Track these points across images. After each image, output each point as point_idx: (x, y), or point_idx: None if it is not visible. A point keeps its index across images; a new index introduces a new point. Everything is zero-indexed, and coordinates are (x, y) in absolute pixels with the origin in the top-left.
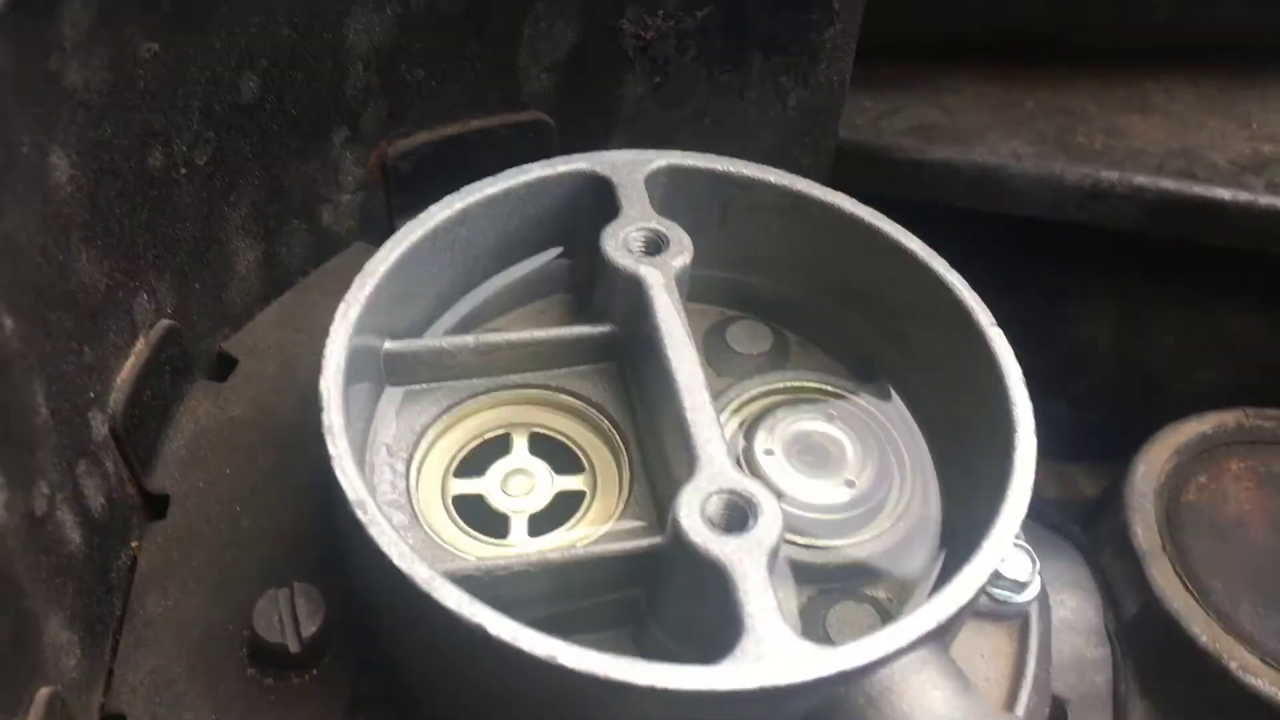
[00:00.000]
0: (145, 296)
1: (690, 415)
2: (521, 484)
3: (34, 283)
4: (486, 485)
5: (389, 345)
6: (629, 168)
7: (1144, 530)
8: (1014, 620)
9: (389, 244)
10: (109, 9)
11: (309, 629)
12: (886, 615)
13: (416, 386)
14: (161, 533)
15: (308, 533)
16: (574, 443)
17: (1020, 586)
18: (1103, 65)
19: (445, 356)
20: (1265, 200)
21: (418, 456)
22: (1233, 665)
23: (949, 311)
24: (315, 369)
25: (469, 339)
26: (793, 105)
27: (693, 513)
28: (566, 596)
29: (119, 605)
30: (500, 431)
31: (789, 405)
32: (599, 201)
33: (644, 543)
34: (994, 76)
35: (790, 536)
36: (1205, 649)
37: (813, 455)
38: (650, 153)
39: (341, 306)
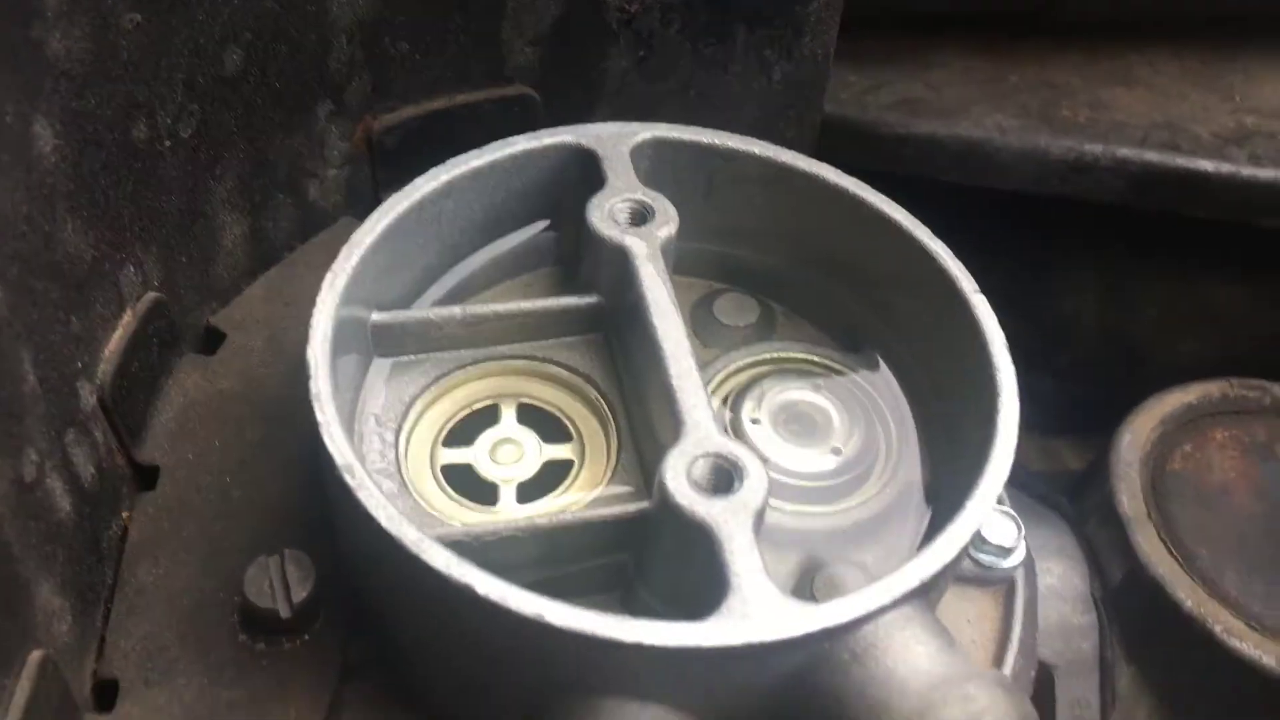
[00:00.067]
0: (132, 269)
1: (676, 382)
2: (510, 453)
3: (20, 251)
4: (475, 454)
5: (376, 317)
6: (614, 140)
7: (1129, 498)
8: (999, 585)
9: (375, 215)
10: None
11: (299, 594)
12: (873, 580)
13: (404, 358)
14: (152, 503)
15: (297, 503)
16: (562, 412)
17: (1005, 552)
18: (1087, 39)
19: (432, 328)
20: (1248, 172)
21: (406, 427)
22: (1217, 629)
23: (933, 280)
24: (303, 342)
25: (456, 310)
26: (777, 79)
27: (679, 476)
28: (554, 562)
29: (110, 574)
30: (488, 402)
31: (775, 376)
32: (584, 174)
33: (631, 508)
34: (978, 51)
35: (777, 504)
36: (1190, 614)
37: (799, 424)
38: (635, 125)
39: (328, 276)
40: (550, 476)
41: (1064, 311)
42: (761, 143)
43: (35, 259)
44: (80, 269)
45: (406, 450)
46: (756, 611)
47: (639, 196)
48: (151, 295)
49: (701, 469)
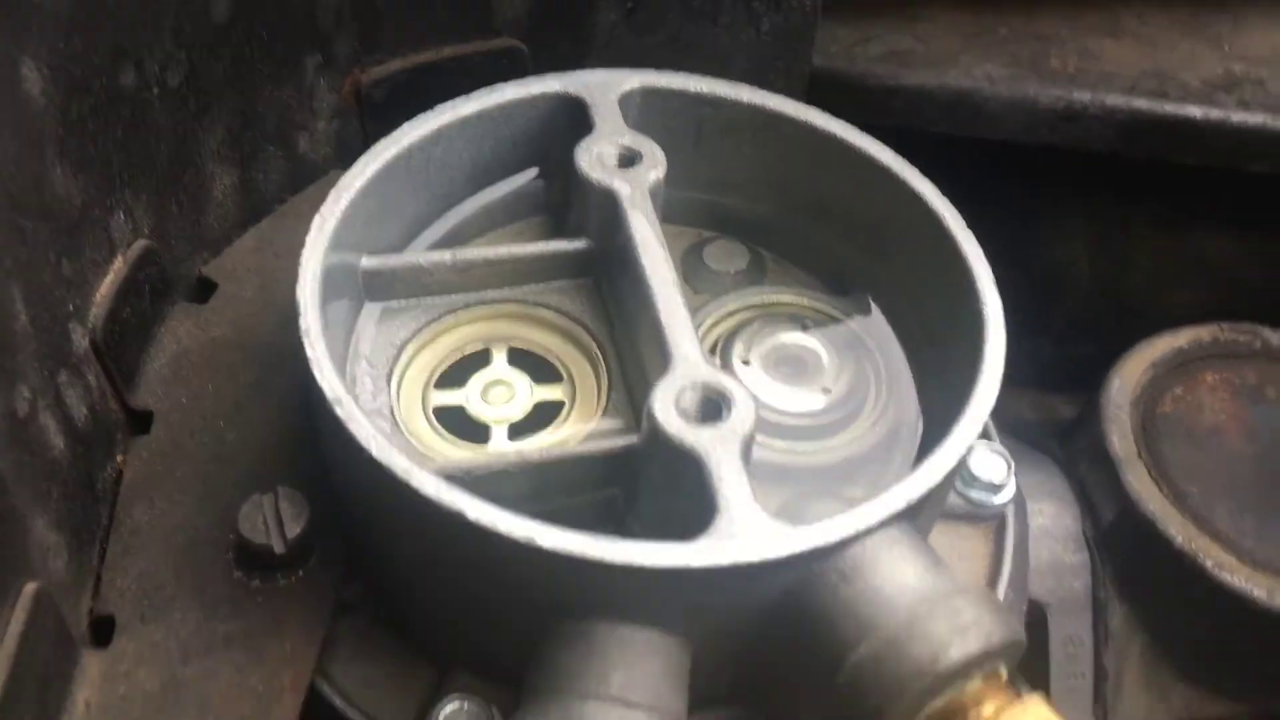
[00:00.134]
0: (122, 215)
1: (664, 318)
2: (501, 394)
3: (8, 191)
4: (467, 396)
5: (366, 261)
6: (602, 88)
7: (1120, 439)
8: (990, 522)
9: (363, 159)
10: None
11: (293, 530)
12: None
13: (395, 303)
14: (146, 447)
15: (290, 445)
16: (553, 355)
17: (995, 489)
18: None
19: (423, 273)
20: (1237, 118)
21: (398, 370)
22: (1209, 564)
23: (921, 220)
24: (294, 288)
25: (446, 255)
26: (765, 30)
27: (667, 406)
28: (545, 496)
29: (105, 515)
30: (479, 346)
31: (765, 319)
32: (573, 122)
33: (620, 441)
34: (966, 3)
35: (767, 441)
36: (1181, 549)
37: (789, 365)
38: (623, 72)
39: (317, 219)
40: (541, 416)
41: (1056, 263)
42: (750, 88)
43: (24, 199)
44: (70, 212)
45: (398, 393)
46: (744, 532)
47: (627, 141)
48: (142, 243)
49: (690, 399)
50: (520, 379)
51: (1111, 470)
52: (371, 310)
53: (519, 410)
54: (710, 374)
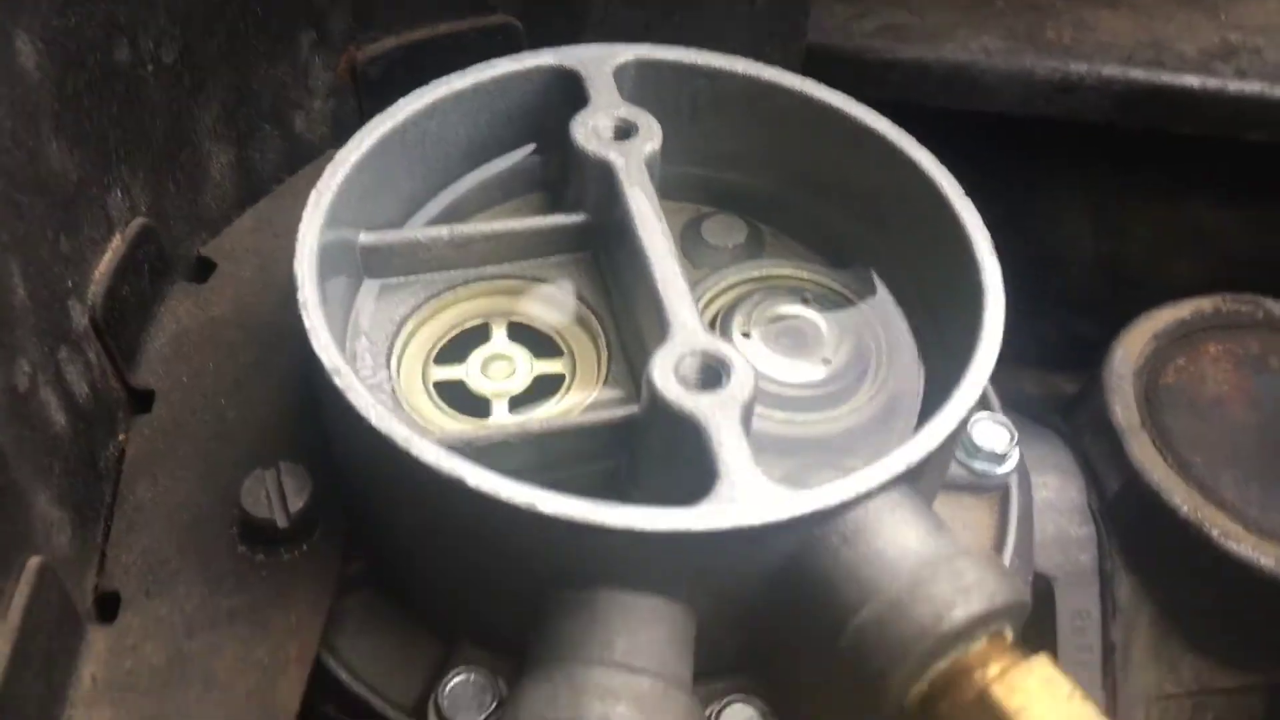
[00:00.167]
0: (119, 193)
1: (661, 287)
2: (501, 369)
3: (3, 165)
4: (467, 371)
5: (364, 238)
6: (597, 61)
7: (1123, 409)
8: (994, 493)
9: (359, 135)
10: None
11: (296, 504)
12: None
13: (394, 280)
14: (148, 425)
15: (291, 422)
16: (552, 329)
17: (999, 459)
18: None
19: (421, 249)
20: (1235, 86)
21: (398, 346)
22: (1214, 533)
23: (919, 189)
24: (292, 264)
25: (443, 231)
26: (761, 4)
27: (667, 373)
28: (546, 468)
29: (109, 493)
30: (478, 321)
31: (765, 292)
32: (568, 96)
33: (621, 411)
34: None
35: (768, 412)
36: (1187, 518)
37: (789, 337)
38: (618, 46)
39: (313, 193)
40: (542, 390)
41: (1055, 237)
42: (745, 60)
43: (20, 173)
44: (66, 188)
45: (398, 369)
46: (745, 496)
47: (622, 113)
48: (140, 221)
49: (688, 366)
50: (520, 353)
51: (1115, 441)
52: (370, 287)
53: (519, 384)
54: (709, 341)
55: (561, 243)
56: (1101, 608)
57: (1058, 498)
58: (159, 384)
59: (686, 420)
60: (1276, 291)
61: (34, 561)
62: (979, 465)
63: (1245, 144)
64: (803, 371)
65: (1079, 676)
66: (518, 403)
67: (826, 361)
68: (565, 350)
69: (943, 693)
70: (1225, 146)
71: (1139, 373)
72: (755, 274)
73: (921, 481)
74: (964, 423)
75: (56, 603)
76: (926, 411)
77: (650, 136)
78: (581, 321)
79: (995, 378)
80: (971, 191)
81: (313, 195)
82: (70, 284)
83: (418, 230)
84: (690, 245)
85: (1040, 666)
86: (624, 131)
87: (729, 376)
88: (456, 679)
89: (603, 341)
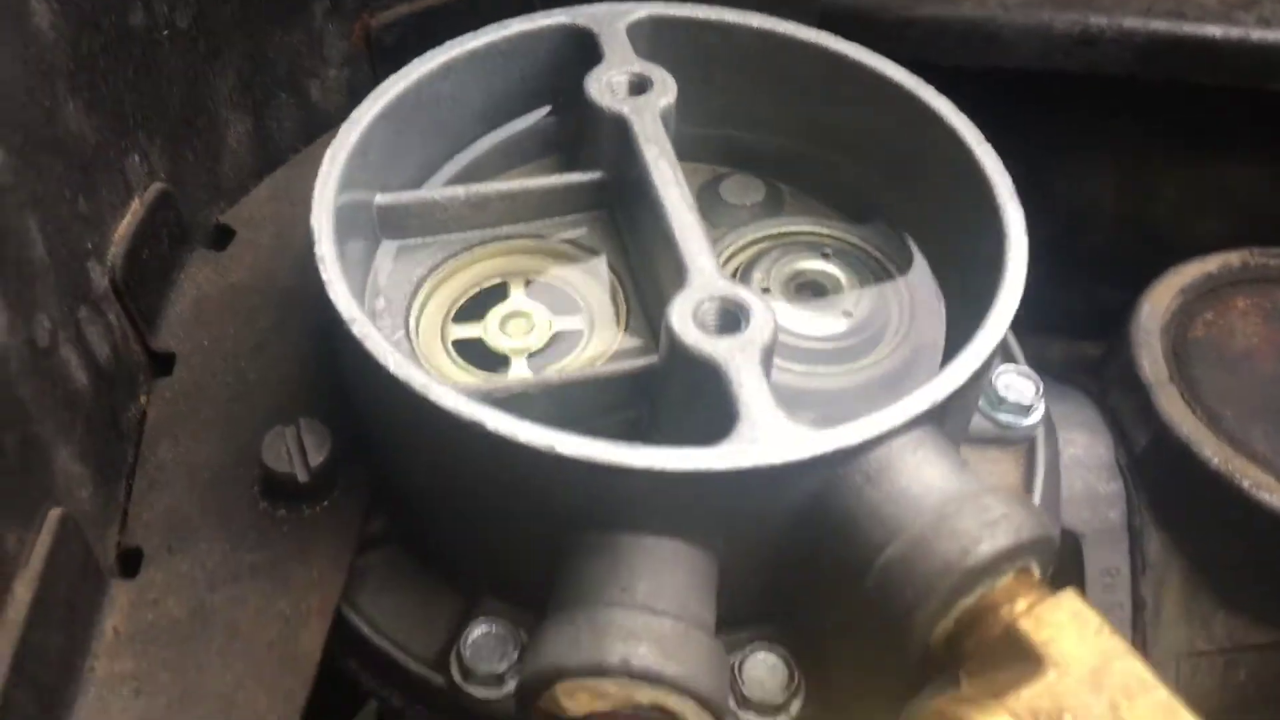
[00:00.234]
0: (137, 158)
1: (679, 234)
2: (520, 325)
3: (21, 122)
4: (485, 328)
5: (380, 198)
6: (610, 18)
7: (1151, 363)
8: (1020, 446)
9: (373, 95)
10: None
11: (316, 459)
12: None
13: (411, 240)
14: (169, 388)
15: (311, 383)
16: (570, 286)
17: (1025, 410)
18: None
19: (438, 209)
20: (1257, 35)
21: (416, 305)
22: (1246, 484)
23: (939, 138)
24: (310, 236)
25: (460, 190)
26: None
27: (685, 318)
28: (566, 421)
29: (131, 454)
30: (496, 280)
31: (784, 248)
32: (582, 55)
33: (640, 361)
34: None
35: (789, 365)
36: (1217, 470)
37: (809, 291)
38: (631, 4)
39: (329, 152)
40: (561, 346)
41: (1079, 198)
42: (759, 15)
43: (38, 131)
44: (84, 150)
45: (417, 328)
46: (767, 436)
47: (636, 68)
48: (158, 186)
49: (707, 311)
50: (538, 310)
51: (1144, 396)
52: (388, 248)
53: (538, 340)
54: (727, 286)
55: (578, 201)
56: (1131, 564)
57: (1085, 454)
58: (179, 347)
59: (706, 364)
60: None
61: (56, 512)
62: (1004, 417)
63: (1270, 95)
64: (824, 324)
65: None
66: (537, 358)
67: (848, 314)
68: (583, 306)
69: (969, 630)
70: (1249, 98)
71: (1166, 328)
72: (774, 231)
73: (946, 424)
74: (988, 363)
75: (78, 554)
76: (948, 357)
77: (665, 91)
78: (599, 278)
79: (1020, 344)
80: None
81: (328, 153)
82: (89, 245)
83: (434, 190)
84: (708, 205)
85: (1069, 600)
86: (638, 86)
87: (748, 320)
88: (478, 630)
89: (621, 297)
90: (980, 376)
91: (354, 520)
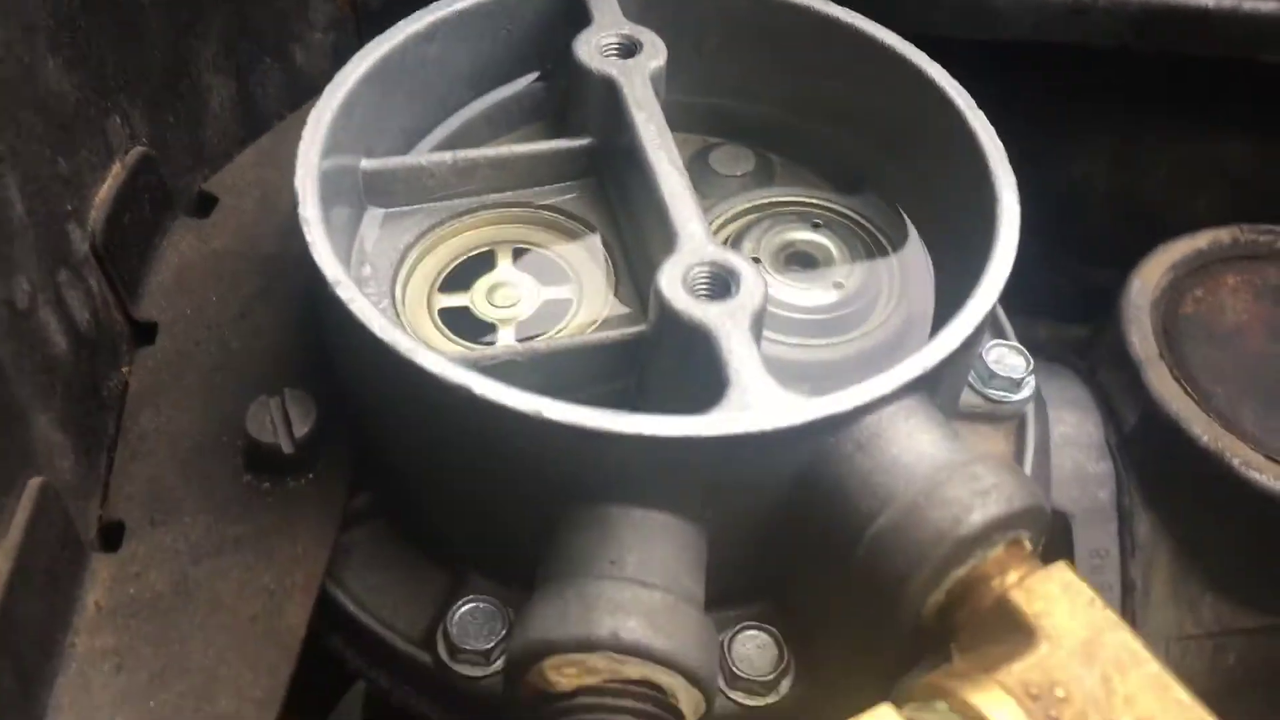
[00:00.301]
0: (118, 120)
1: (668, 199)
2: (507, 295)
3: (0, 77)
4: (472, 298)
5: (366, 164)
6: None
7: (1140, 340)
8: (1010, 422)
9: (358, 56)
10: None
11: (301, 430)
12: None
13: (397, 208)
14: (151, 357)
15: (296, 352)
16: (558, 255)
17: (1015, 384)
18: None
19: (424, 175)
20: (1249, 4)
21: (402, 274)
22: (1235, 462)
23: (931, 106)
24: (294, 202)
25: (447, 156)
26: None
27: (675, 283)
28: (554, 390)
29: (112, 425)
30: (483, 249)
31: (774, 218)
32: (571, 18)
33: (629, 330)
34: None
35: (780, 337)
36: (1207, 448)
37: (799, 262)
38: None
39: (313, 113)
40: (549, 315)
41: (1071, 177)
42: None
43: (17, 88)
44: (65, 109)
45: (402, 297)
46: (757, 402)
47: (626, 31)
48: (140, 150)
49: (697, 276)
50: (526, 280)
51: (1133, 372)
52: (374, 216)
53: (526, 310)
54: (717, 252)
55: (567, 168)
56: (1120, 545)
57: (1075, 433)
58: (161, 316)
59: (696, 330)
60: None
61: (35, 481)
62: (995, 392)
63: (1262, 66)
64: (814, 296)
65: None
66: (525, 328)
67: (838, 286)
68: (572, 275)
69: (960, 601)
70: (1242, 70)
71: (1156, 304)
72: (764, 200)
73: (937, 395)
74: (980, 331)
75: (58, 524)
76: (939, 328)
77: (655, 54)
78: (588, 247)
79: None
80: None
81: (312, 114)
82: (69, 207)
83: (421, 155)
84: (698, 175)
85: (1060, 573)
86: (628, 49)
87: (738, 286)
88: (465, 607)
89: (610, 266)
90: (972, 345)
91: (339, 493)
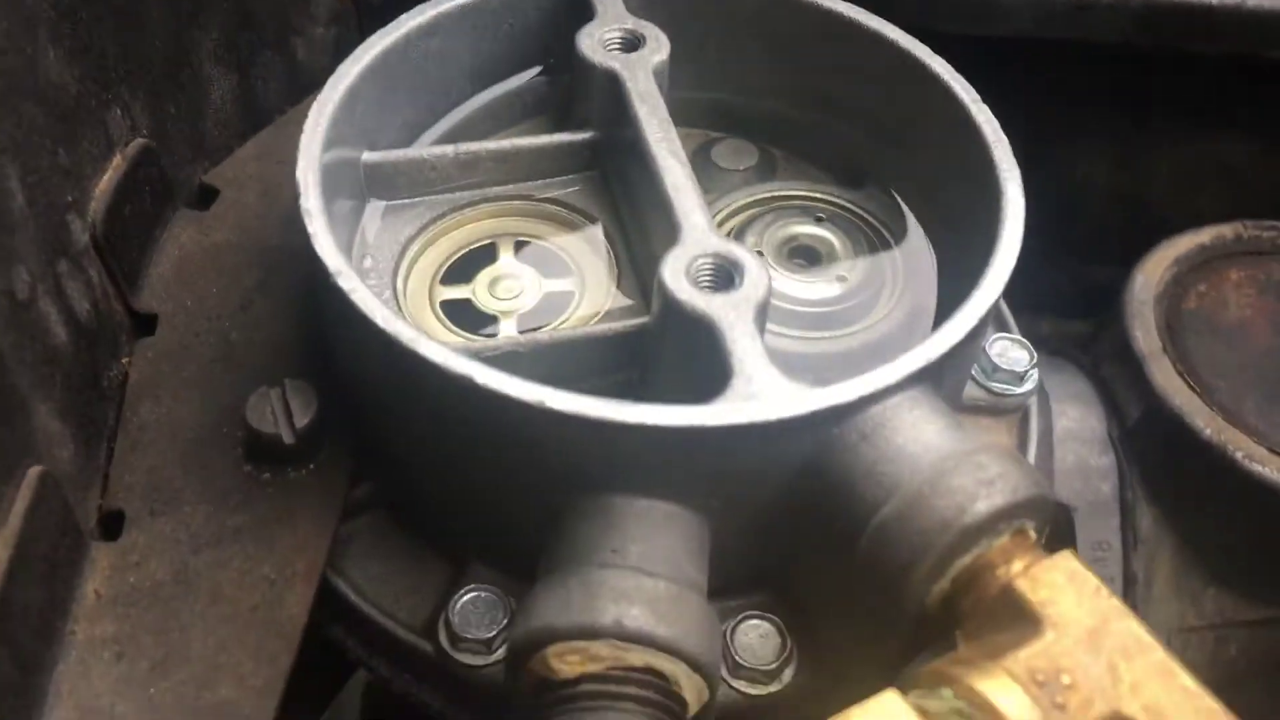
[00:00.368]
0: (119, 111)
1: (671, 191)
2: (509, 287)
3: (1, 68)
4: (474, 290)
5: (368, 156)
6: None
7: (1144, 334)
8: (1013, 415)
9: (361, 48)
10: None
11: (302, 420)
12: None
13: (399, 201)
14: (151, 348)
15: (297, 344)
16: (560, 248)
17: (1019, 378)
18: None
19: (426, 167)
20: (1253, 1)
21: (403, 266)
22: (1239, 455)
23: (934, 99)
24: (296, 194)
25: (449, 149)
26: None
27: (678, 275)
28: (556, 382)
29: (112, 415)
30: (485, 242)
31: (777, 212)
32: (574, 12)
33: (632, 321)
34: None
35: (784, 330)
36: (1210, 441)
37: (803, 256)
38: None
39: (315, 106)
40: (551, 308)
41: (1074, 174)
42: None
43: (17, 78)
44: (66, 100)
45: (405, 289)
46: (762, 392)
47: (629, 25)
48: (140, 141)
49: (701, 267)
50: (528, 272)
51: (1136, 367)
52: (375, 208)
53: (528, 302)
54: (721, 243)
55: (569, 161)
56: (1122, 539)
57: (1078, 427)
58: (162, 308)
59: (700, 321)
60: None
61: (35, 470)
62: (998, 385)
63: (1266, 63)
64: (817, 289)
65: None
66: (526, 320)
67: (841, 279)
68: (574, 269)
69: (965, 590)
70: (1245, 67)
71: (1160, 299)
72: (767, 195)
73: (941, 387)
74: (984, 322)
75: (58, 512)
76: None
77: (658, 48)
78: (590, 240)
79: None
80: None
81: (314, 106)
82: (70, 198)
83: (423, 149)
84: (700, 170)
85: (1065, 561)
86: (631, 43)
87: (742, 277)
88: (467, 596)
89: (612, 259)
90: (976, 336)
91: (339, 483)
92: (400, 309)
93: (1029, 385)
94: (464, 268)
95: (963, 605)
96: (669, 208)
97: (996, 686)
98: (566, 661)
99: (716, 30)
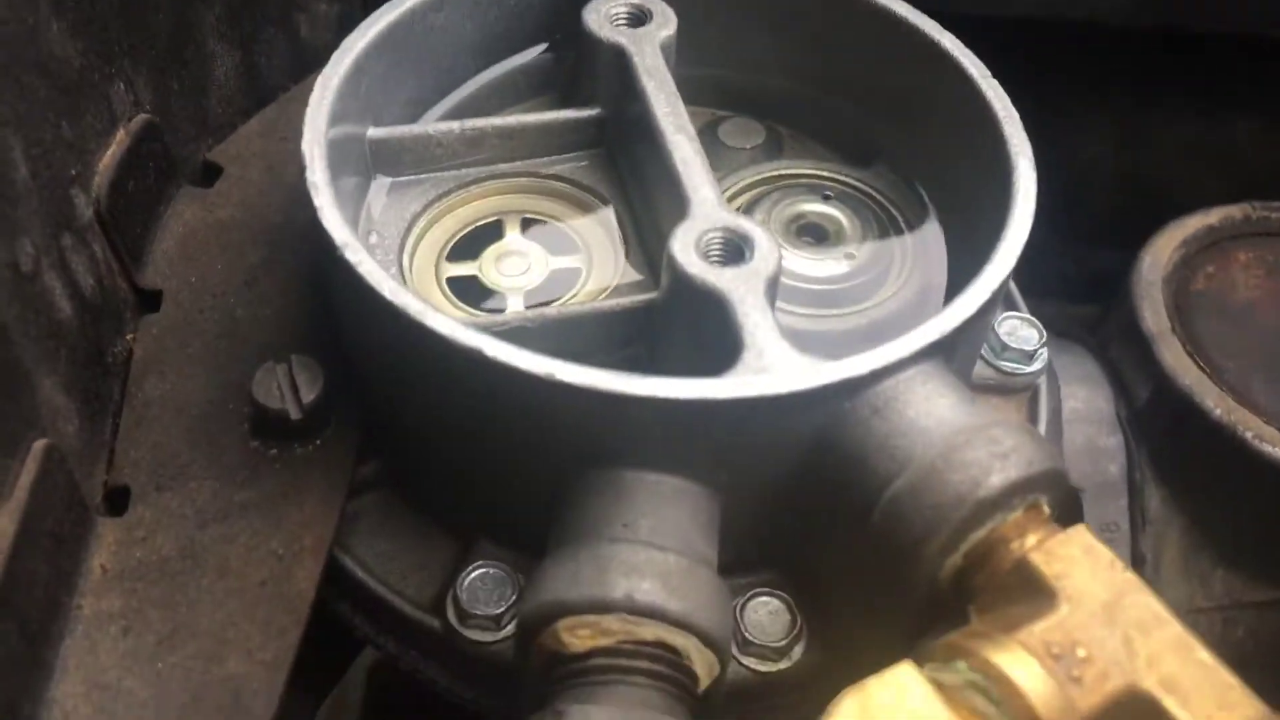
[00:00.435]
0: (122, 86)
1: (680, 166)
2: (516, 264)
3: (3, 39)
4: (480, 266)
5: (374, 132)
6: None
7: (1152, 315)
8: (1022, 394)
9: (365, 23)
10: None
11: (309, 396)
12: None
13: (405, 177)
14: (156, 324)
15: (302, 320)
16: (567, 225)
17: (1028, 356)
18: None
19: (432, 143)
20: None
21: (409, 243)
22: (1248, 435)
23: (943, 75)
24: (301, 170)
25: (455, 125)
26: None
27: (688, 249)
28: (564, 357)
29: (117, 391)
30: (492, 219)
31: (784, 190)
32: None
33: (641, 297)
34: None
35: (792, 308)
36: (1219, 421)
37: (810, 234)
38: None
39: (320, 80)
40: (558, 284)
41: (1081, 157)
42: None
43: (20, 51)
44: (69, 73)
45: (411, 266)
46: (773, 366)
47: (635, 0)
48: (144, 116)
49: (710, 241)
50: (534, 249)
51: (1145, 347)
52: (381, 185)
53: (534, 279)
54: (730, 217)
55: (576, 138)
56: (1131, 520)
57: (1086, 408)
58: (166, 284)
59: (710, 295)
60: None
61: (40, 443)
62: (1007, 364)
63: (1271, 42)
64: (826, 266)
65: None
66: (533, 297)
67: (850, 257)
68: (581, 245)
69: (979, 564)
70: (1250, 46)
71: (1168, 279)
72: (773, 173)
73: (954, 359)
74: (996, 297)
75: (63, 486)
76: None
77: (665, 23)
78: (597, 217)
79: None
80: None
81: (319, 80)
82: (73, 172)
83: (429, 125)
84: (707, 148)
85: (1080, 535)
86: (637, 18)
87: (752, 251)
88: (475, 573)
89: (619, 236)
90: (988, 311)
91: (346, 459)
92: (407, 286)
93: (1038, 364)
94: (470, 244)
95: (976, 580)
96: (678, 182)
97: (1012, 659)
98: (577, 635)
99: (723, 5)
